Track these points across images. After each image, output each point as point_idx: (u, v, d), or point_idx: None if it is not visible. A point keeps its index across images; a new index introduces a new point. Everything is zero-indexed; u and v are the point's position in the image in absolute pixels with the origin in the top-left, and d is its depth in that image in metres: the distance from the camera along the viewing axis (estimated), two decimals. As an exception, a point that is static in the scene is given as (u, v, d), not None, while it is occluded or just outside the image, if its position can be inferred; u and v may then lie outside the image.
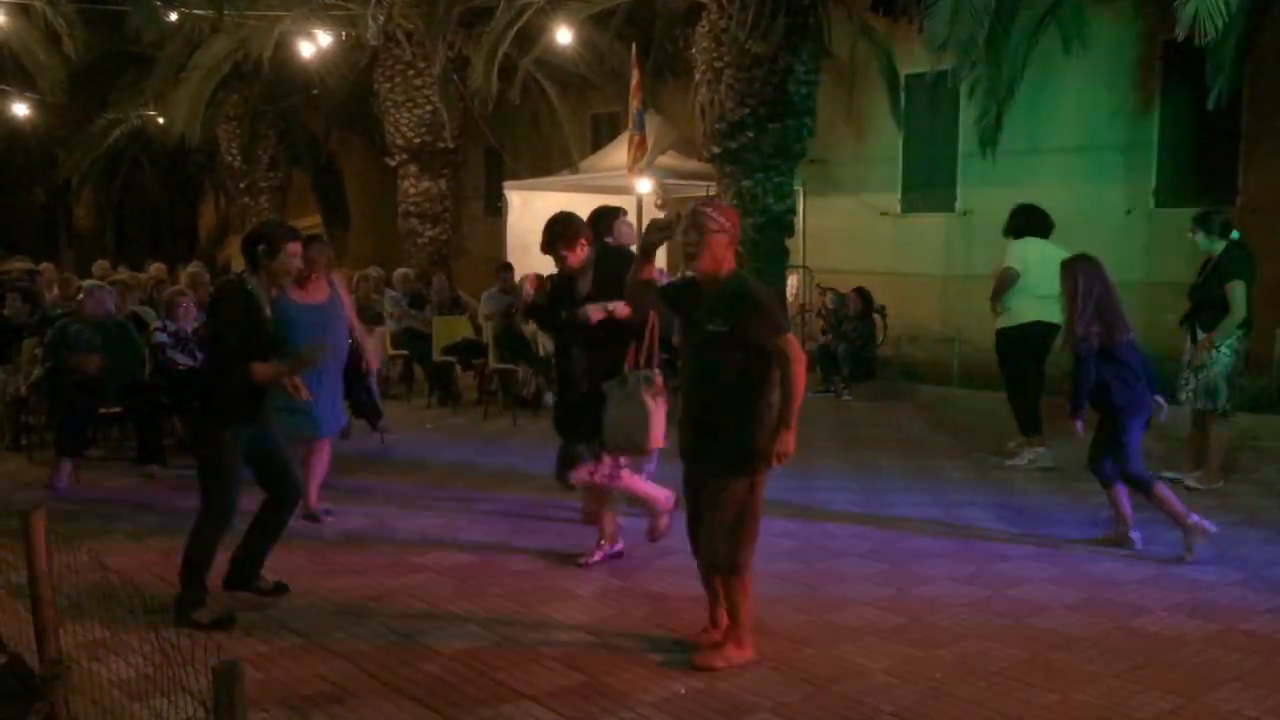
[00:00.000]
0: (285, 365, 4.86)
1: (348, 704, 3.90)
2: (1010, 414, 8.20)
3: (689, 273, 4.37)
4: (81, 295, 7.99)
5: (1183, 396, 7.11)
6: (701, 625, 4.45)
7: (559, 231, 5.42)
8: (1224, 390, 6.92)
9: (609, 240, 5.75)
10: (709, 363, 4.14)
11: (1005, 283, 7.85)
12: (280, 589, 5.04)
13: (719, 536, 4.16)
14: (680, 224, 4.22)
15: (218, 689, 2.37)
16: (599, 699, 3.94)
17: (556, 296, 5.66)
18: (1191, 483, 7.06)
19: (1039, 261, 7.62)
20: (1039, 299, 7.66)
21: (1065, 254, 7.80)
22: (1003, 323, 8.01)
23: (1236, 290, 6.80)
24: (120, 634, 4.27)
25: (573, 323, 5.38)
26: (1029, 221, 8.03)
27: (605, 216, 6.01)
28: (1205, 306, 6.94)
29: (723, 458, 4.13)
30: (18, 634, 4.10)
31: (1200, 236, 6.98)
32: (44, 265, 12.65)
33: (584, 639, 4.53)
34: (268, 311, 4.86)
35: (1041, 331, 7.84)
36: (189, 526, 4.90)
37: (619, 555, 5.60)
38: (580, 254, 5.40)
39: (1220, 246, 6.95)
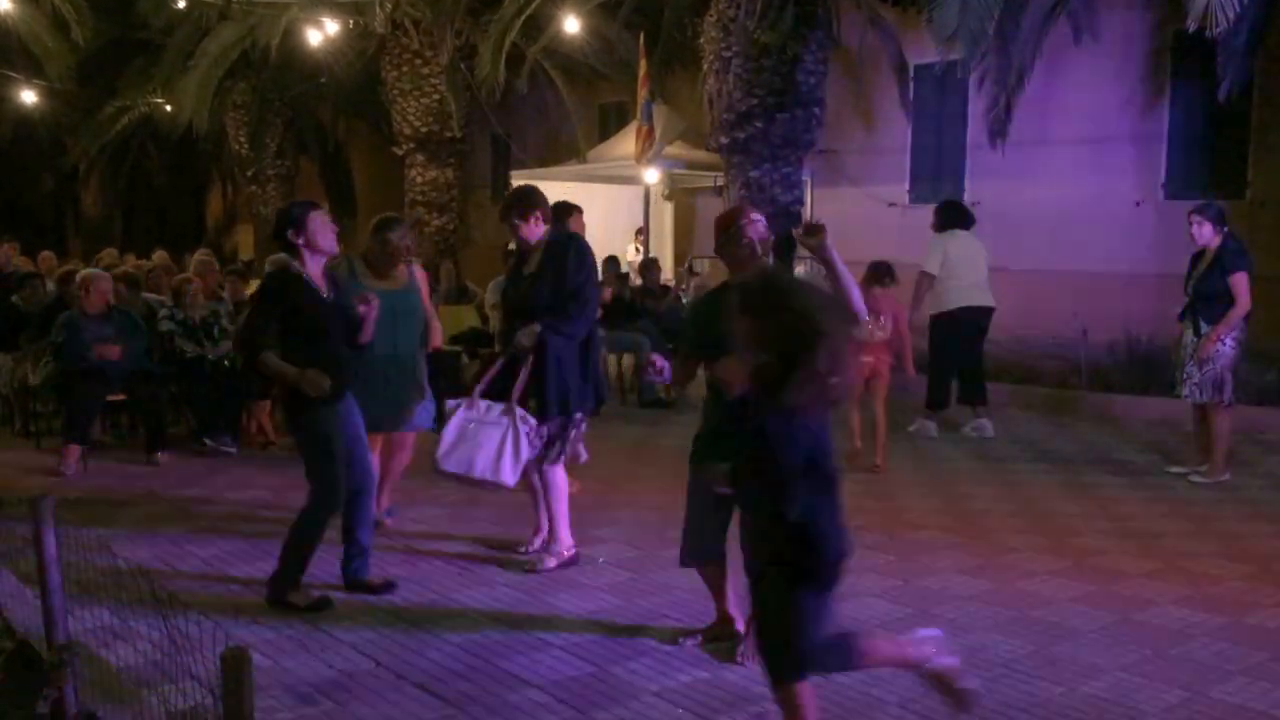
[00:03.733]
0: (295, 375, 4.64)
1: (354, 692, 3.92)
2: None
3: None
4: (81, 288, 7.89)
5: (1184, 391, 7.09)
6: (712, 618, 4.45)
7: (511, 202, 5.36)
8: (1230, 382, 6.92)
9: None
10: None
11: (923, 289, 8.52)
12: (390, 585, 4.98)
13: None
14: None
15: (226, 676, 2.38)
16: (605, 689, 3.94)
17: (510, 273, 5.58)
18: (1197, 477, 7.04)
19: (962, 252, 8.51)
20: (965, 287, 8.46)
21: (980, 245, 8.69)
22: (934, 309, 8.59)
23: (1241, 282, 6.80)
24: (128, 621, 4.28)
25: (517, 300, 5.31)
26: (953, 216, 8.77)
27: (562, 210, 6.04)
28: (1208, 299, 6.92)
29: None
30: (26, 620, 4.12)
31: (1206, 228, 6.95)
32: (43, 254, 12.64)
33: (590, 629, 4.54)
34: (323, 292, 4.78)
35: (976, 314, 8.56)
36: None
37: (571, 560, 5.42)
38: (534, 229, 5.27)
39: (1219, 238, 6.93)
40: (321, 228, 4.80)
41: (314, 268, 4.81)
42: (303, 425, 4.80)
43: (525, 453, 5.07)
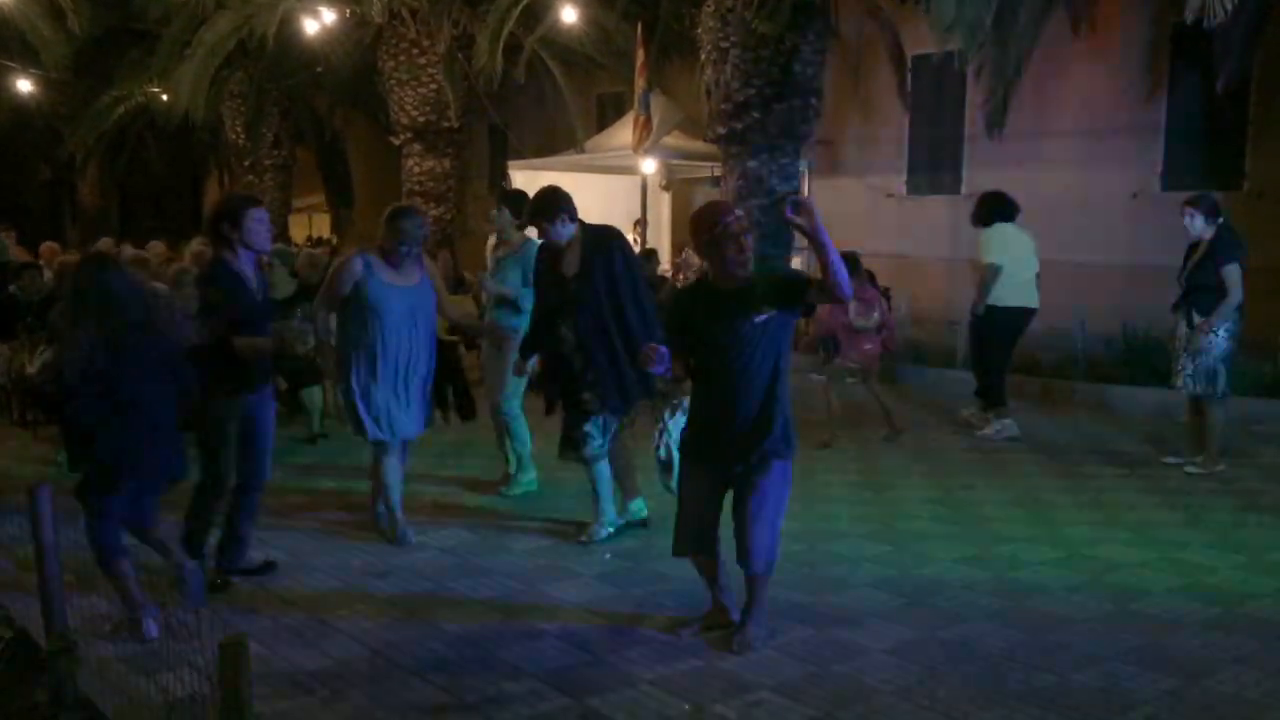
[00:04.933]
0: (264, 344, 4.79)
1: (351, 680, 3.93)
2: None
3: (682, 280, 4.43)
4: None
5: (1178, 382, 7.11)
6: (710, 608, 4.47)
7: (538, 206, 5.46)
8: (1223, 374, 6.93)
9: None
10: (754, 353, 4.07)
11: (990, 280, 8.02)
12: (270, 566, 5.11)
13: (769, 530, 4.18)
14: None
15: (223, 665, 2.39)
16: (601, 677, 3.96)
17: (540, 273, 5.63)
18: (1192, 468, 7.06)
19: (1017, 247, 8.07)
20: (1018, 285, 8.04)
21: (1031, 238, 8.18)
22: (991, 301, 8.12)
23: (1234, 273, 6.80)
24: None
25: (561, 302, 5.41)
26: (999, 208, 8.18)
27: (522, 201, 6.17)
28: (1200, 290, 6.92)
29: (771, 447, 4.13)
30: (25, 609, 4.13)
31: (1198, 220, 6.95)
32: (45, 245, 12.64)
33: (586, 618, 4.56)
34: (253, 288, 4.88)
35: (1020, 316, 8.17)
36: (189, 510, 4.96)
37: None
38: (562, 229, 5.40)
39: (1212, 230, 6.94)
40: (257, 225, 4.84)
41: (246, 262, 4.87)
42: (212, 411, 4.86)
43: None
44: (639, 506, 5.79)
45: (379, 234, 5.48)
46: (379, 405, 5.40)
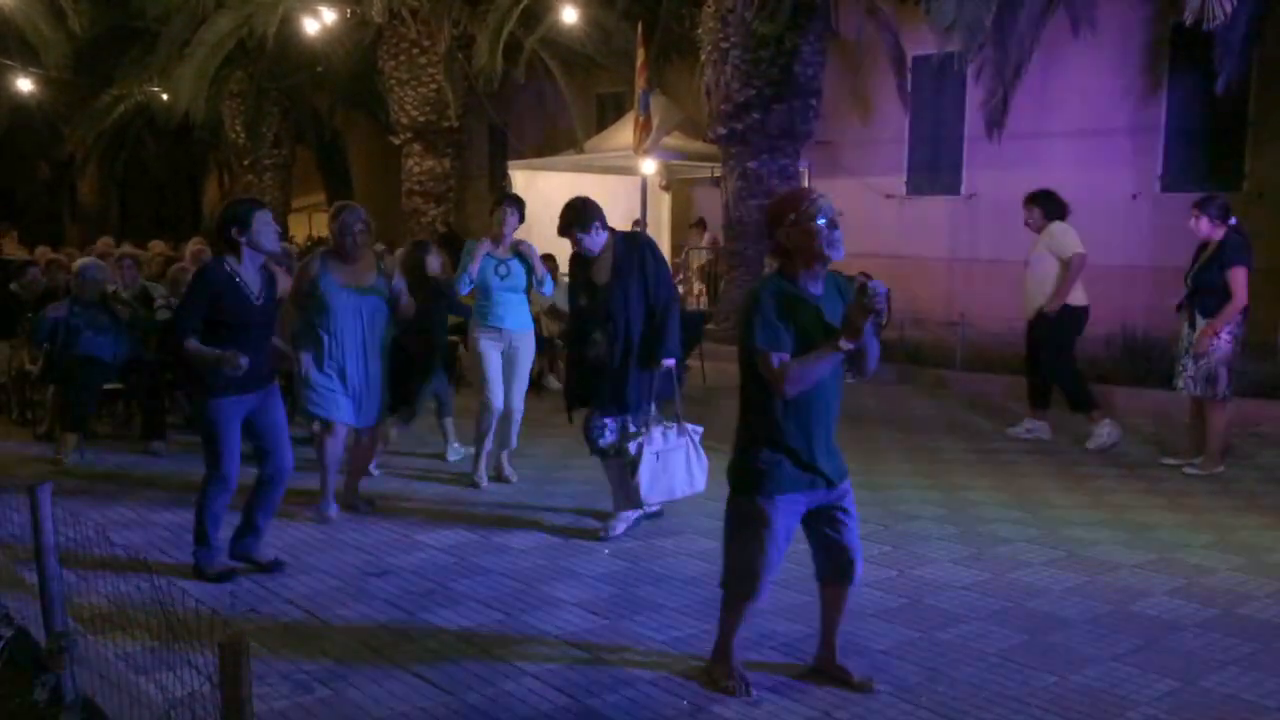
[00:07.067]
0: (216, 356, 4.75)
1: (350, 679, 3.93)
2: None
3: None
4: (75, 277, 7.86)
5: (1180, 383, 7.11)
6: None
7: (571, 218, 5.61)
8: (1224, 377, 6.92)
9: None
10: (837, 375, 3.71)
11: (1077, 271, 7.73)
12: (278, 565, 5.13)
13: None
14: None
15: (223, 663, 2.40)
16: (599, 676, 3.96)
17: (573, 281, 5.78)
18: (1191, 469, 7.07)
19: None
20: (1081, 283, 7.86)
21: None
22: (1057, 302, 7.79)
23: (1239, 276, 6.79)
24: (126, 608, 4.30)
25: (593, 308, 5.56)
26: (1057, 206, 7.99)
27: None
28: (1206, 292, 6.92)
29: (845, 471, 3.85)
30: (24, 608, 4.13)
31: (1203, 222, 6.96)
32: (39, 249, 12.64)
33: (585, 617, 4.56)
34: (253, 292, 4.92)
35: (1085, 314, 7.93)
36: (193, 501, 4.98)
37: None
38: (596, 238, 5.58)
39: (1221, 232, 6.93)
40: (265, 228, 4.91)
41: (250, 266, 4.93)
42: (200, 412, 5.02)
43: (704, 458, 5.53)
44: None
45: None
46: (319, 386, 5.82)
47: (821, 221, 3.56)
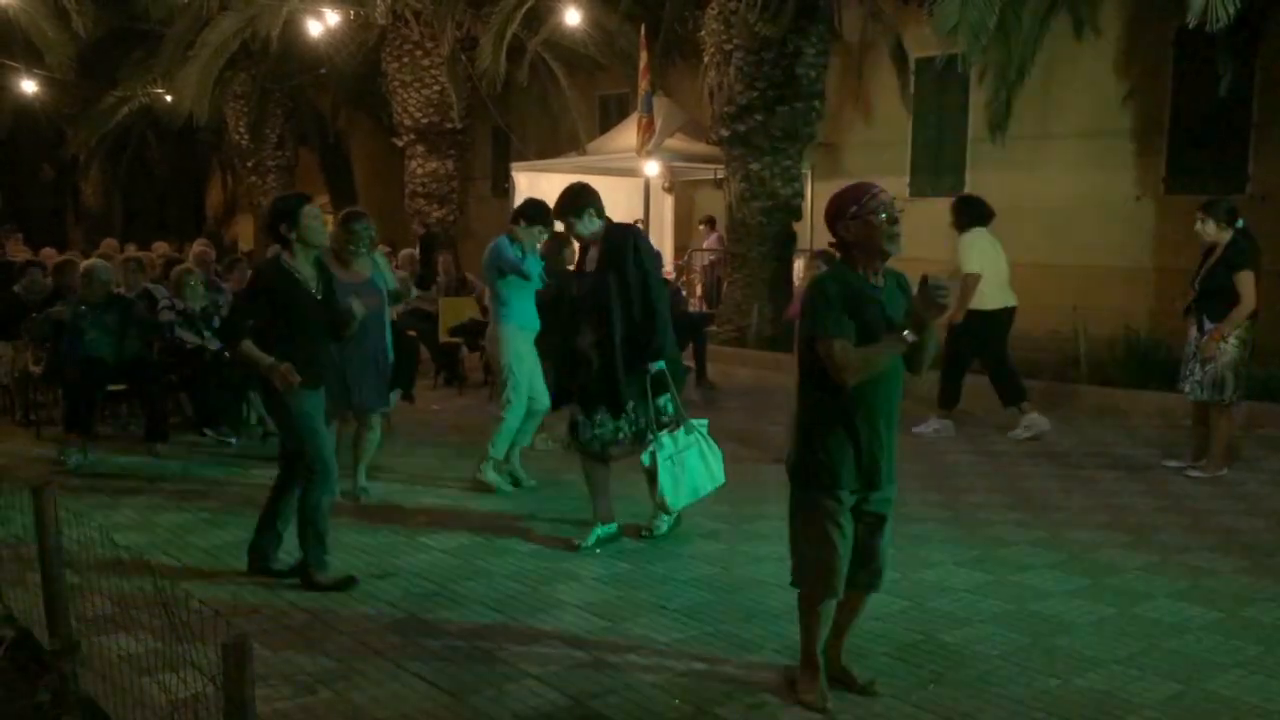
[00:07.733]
0: (269, 364, 4.73)
1: (354, 681, 3.94)
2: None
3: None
4: (83, 278, 7.88)
5: (1186, 387, 7.08)
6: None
7: (564, 201, 5.54)
8: (1230, 382, 6.88)
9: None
10: (898, 370, 3.65)
11: (972, 290, 8.05)
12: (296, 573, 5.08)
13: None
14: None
15: (227, 665, 2.39)
16: (601, 678, 3.96)
17: (568, 270, 5.73)
18: (1195, 472, 7.05)
19: (992, 251, 8.14)
20: (1000, 286, 8.16)
21: (999, 243, 8.25)
22: (975, 306, 8.11)
23: (1247, 280, 6.75)
24: (130, 609, 4.30)
25: (582, 297, 5.48)
26: (977, 213, 8.22)
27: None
28: (1213, 296, 6.88)
29: (894, 473, 3.73)
30: (28, 609, 4.14)
31: (1209, 225, 6.93)
32: (45, 251, 12.67)
33: (588, 619, 4.56)
34: (311, 287, 4.88)
35: (1009, 314, 8.26)
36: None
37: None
38: (588, 225, 5.49)
39: (1228, 235, 6.90)
40: (314, 223, 4.87)
41: (304, 261, 4.87)
42: (284, 404, 4.84)
43: (718, 449, 5.51)
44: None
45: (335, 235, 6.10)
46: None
47: (883, 216, 3.57)
